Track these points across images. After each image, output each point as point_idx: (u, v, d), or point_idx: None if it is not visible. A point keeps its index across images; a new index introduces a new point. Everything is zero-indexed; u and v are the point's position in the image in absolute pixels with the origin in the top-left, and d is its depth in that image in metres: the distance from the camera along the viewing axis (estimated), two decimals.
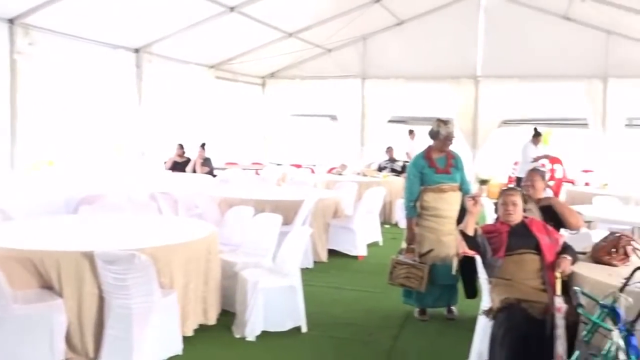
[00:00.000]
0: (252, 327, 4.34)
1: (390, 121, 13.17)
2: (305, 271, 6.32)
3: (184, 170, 10.15)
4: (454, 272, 4.14)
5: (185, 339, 4.12)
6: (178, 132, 10.95)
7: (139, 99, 9.45)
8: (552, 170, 10.82)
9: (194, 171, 10.15)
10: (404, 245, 5.02)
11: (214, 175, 10.26)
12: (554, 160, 10.91)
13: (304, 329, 4.53)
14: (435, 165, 4.94)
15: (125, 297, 3.73)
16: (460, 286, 4.93)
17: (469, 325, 4.15)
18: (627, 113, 11.59)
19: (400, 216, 9.72)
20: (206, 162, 10.31)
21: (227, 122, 11.93)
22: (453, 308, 5.04)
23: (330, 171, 11.87)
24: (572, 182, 11.66)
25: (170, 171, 10.21)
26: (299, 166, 13.04)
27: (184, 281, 4.18)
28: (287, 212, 6.39)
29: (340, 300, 5.50)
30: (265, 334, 4.36)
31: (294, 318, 4.52)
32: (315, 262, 6.74)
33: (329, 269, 6.70)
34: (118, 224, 5.05)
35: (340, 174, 10.97)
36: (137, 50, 9.28)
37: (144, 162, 9.71)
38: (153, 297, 3.78)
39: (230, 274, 4.79)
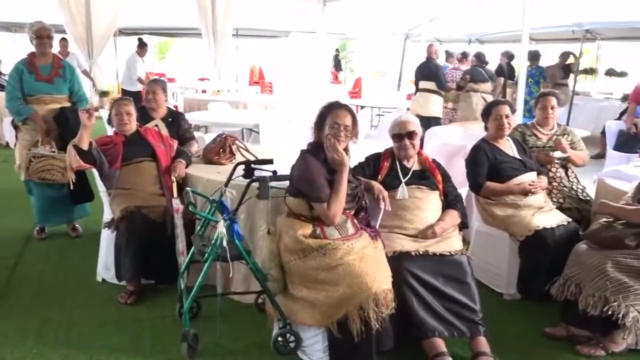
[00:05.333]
0: None
1: None
2: None
3: None
4: (72, 187, 3.95)
5: None
6: None
7: None
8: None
9: None
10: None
11: None
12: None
13: None
14: (37, 72, 4.50)
15: None
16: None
17: (95, 240, 4.09)
18: (234, 24, 12.49)
19: (9, 136, 8.71)
20: None
21: None
22: (77, 226, 4.87)
23: None
24: None
25: None
26: None
27: None
28: None
29: None
30: None
31: None
32: None
33: None
34: None
35: None
36: None
37: None
38: None
39: None
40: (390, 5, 12.45)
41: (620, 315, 2.87)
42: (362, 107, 10.81)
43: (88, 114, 3.80)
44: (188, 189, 3.21)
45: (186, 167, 3.91)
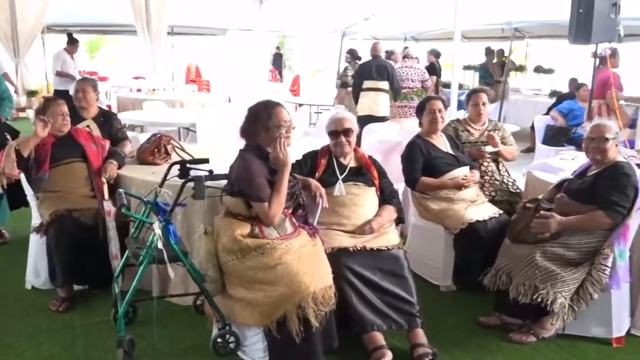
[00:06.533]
0: None
1: None
2: None
3: None
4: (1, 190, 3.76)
5: None
6: None
7: None
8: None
9: None
10: None
11: None
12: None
13: None
14: None
15: None
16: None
17: (23, 246, 3.90)
18: (169, 21, 12.24)
19: None
20: None
21: None
22: (3, 231, 4.65)
23: None
24: None
25: None
26: None
27: None
28: None
29: None
30: None
31: None
32: None
33: None
34: None
35: None
36: None
37: None
38: None
39: None
40: (327, 3, 12.54)
41: (548, 302, 3.00)
42: (300, 105, 10.81)
43: (43, 123, 3.62)
44: (121, 190, 3.13)
45: (119, 167, 3.80)
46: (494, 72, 11.07)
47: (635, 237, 3.17)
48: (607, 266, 3.04)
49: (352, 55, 9.08)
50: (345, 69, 8.84)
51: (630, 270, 3.15)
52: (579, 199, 3.21)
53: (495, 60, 11.65)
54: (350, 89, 8.43)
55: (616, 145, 3.25)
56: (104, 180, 3.61)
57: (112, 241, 3.30)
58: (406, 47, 10.65)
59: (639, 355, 3.13)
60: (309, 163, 3.41)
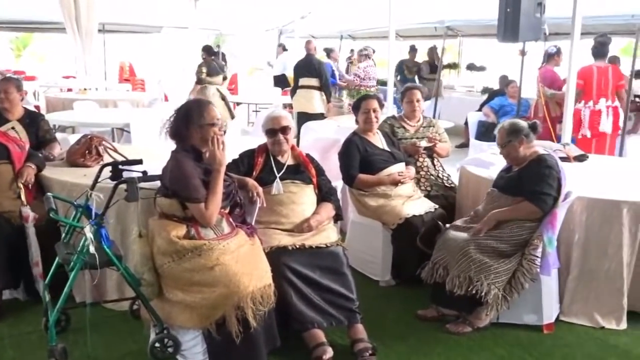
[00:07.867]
0: None
1: None
2: None
3: None
4: None
5: None
6: None
7: None
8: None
9: None
10: None
11: None
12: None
13: None
14: None
15: None
16: None
17: None
18: (100, 18, 11.83)
19: None
20: None
21: None
22: None
23: None
24: None
25: None
26: None
27: None
28: None
29: None
30: None
31: None
32: None
33: None
34: None
35: None
36: None
37: None
38: None
39: None
40: (263, 1, 12.46)
41: (483, 294, 3.09)
42: (238, 104, 10.69)
43: None
44: (49, 194, 3.01)
45: (39, 170, 3.63)
46: (422, 70, 11.34)
47: (561, 230, 3.31)
48: (536, 256, 3.16)
49: (207, 52, 8.98)
50: (200, 65, 8.70)
51: (558, 257, 3.29)
52: (508, 193, 3.32)
53: (426, 59, 11.90)
54: (202, 84, 8.59)
55: (520, 143, 3.29)
56: (20, 185, 3.43)
57: (32, 247, 3.23)
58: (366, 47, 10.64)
59: (568, 340, 3.28)
60: (245, 162, 3.37)
